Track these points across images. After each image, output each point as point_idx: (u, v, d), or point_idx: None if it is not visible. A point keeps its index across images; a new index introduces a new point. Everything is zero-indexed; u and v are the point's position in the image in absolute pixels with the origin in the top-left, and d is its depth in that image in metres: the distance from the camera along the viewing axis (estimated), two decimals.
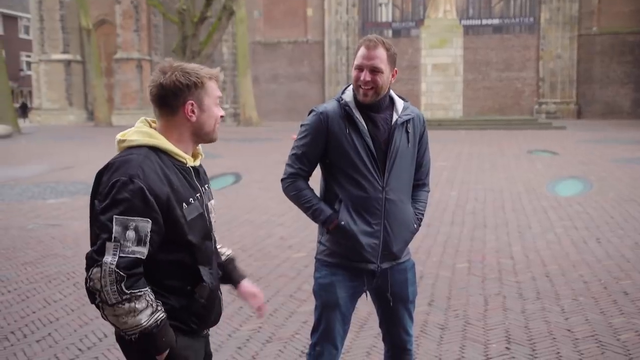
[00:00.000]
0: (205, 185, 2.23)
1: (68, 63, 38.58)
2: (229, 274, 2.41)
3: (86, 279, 1.92)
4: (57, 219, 8.84)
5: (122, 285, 1.88)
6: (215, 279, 2.18)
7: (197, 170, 2.19)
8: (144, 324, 1.93)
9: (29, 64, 49.47)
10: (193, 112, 2.10)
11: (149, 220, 1.93)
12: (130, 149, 2.05)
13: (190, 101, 2.09)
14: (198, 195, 2.12)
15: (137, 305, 1.91)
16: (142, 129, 2.11)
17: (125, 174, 1.94)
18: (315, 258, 2.91)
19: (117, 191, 1.92)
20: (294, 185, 2.83)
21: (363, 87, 2.68)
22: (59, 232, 7.99)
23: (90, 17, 33.06)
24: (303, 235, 7.45)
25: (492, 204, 9.38)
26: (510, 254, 6.54)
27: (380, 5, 36.50)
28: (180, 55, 25.80)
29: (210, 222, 2.19)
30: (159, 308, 1.97)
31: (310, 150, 2.79)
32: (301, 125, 2.84)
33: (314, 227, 2.64)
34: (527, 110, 34.55)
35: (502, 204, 9.42)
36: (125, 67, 36.87)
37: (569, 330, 4.42)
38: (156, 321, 1.95)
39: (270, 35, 37.25)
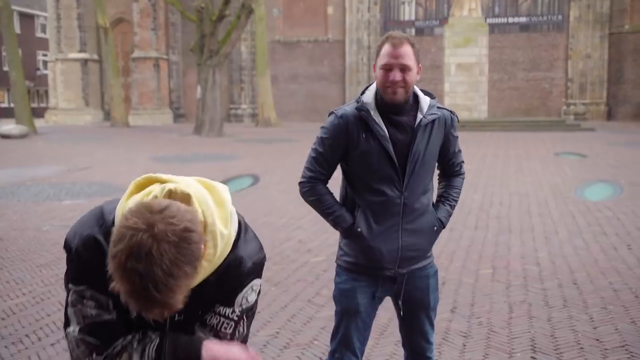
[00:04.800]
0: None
1: (85, 62, 38.38)
2: None
3: None
4: (72, 221, 8.69)
5: (94, 356, 1.67)
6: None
7: None
8: None
9: (45, 63, 49.63)
10: None
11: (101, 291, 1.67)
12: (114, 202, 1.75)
13: None
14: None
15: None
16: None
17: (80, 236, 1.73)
18: (336, 262, 2.87)
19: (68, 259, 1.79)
20: (313, 189, 2.77)
21: (392, 87, 2.60)
22: None
23: (108, 15, 32.97)
24: (322, 239, 7.34)
25: (517, 208, 9.25)
26: (536, 260, 6.43)
27: (403, 3, 35.90)
28: (198, 54, 25.44)
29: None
30: (140, 346, 1.68)
31: (330, 153, 2.73)
32: (321, 128, 2.77)
33: (334, 230, 2.70)
34: (554, 112, 33.73)
35: (527, 208, 9.26)
36: (142, 66, 36.50)
37: (597, 340, 4.31)
38: None
39: (289, 34, 36.82)
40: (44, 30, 53.16)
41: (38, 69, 53.25)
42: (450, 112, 2.80)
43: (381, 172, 2.65)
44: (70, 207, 9.79)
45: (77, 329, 1.66)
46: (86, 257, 1.65)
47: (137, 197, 1.63)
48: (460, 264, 6.31)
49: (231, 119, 36.82)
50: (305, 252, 6.85)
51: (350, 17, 35.63)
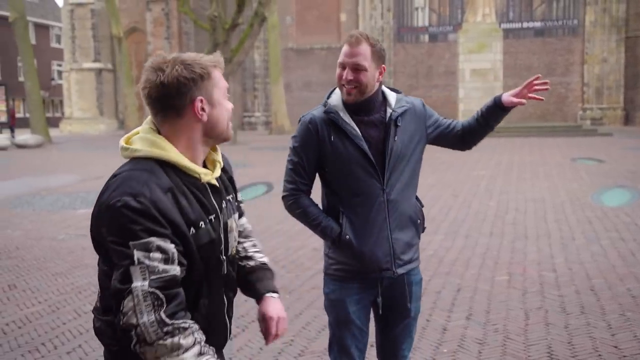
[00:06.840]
0: (228, 198, 1.96)
1: (99, 71, 38.72)
2: (253, 285, 2.13)
3: (118, 317, 1.64)
4: (87, 230, 8.56)
5: (162, 313, 1.63)
6: (217, 306, 1.92)
7: (214, 186, 1.88)
8: None
9: (60, 73, 49.97)
10: (203, 109, 1.81)
11: (166, 239, 1.67)
12: (135, 161, 1.78)
13: (199, 97, 1.79)
14: (213, 216, 1.84)
15: (182, 341, 1.64)
16: (146, 136, 1.82)
17: (127, 193, 1.67)
18: (325, 272, 2.79)
19: (122, 215, 1.66)
20: (297, 202, 2.71)
21: (346, 86, 2.56)
22: (90, 242, 7.70)
23: (121, 25, 33.17)
24: None
25: (533, 214, 9.12)
26: (552, 267, 6.34)
27: (417, 9, 35.77)
28: None
29: (226, 246, 1.91)
30: (208, 351, 1.70)
31: (306, 161, 2.66)
32: (292, 137, 2.72)
33: None
34: (570, 117, 33.39)
35: (544, 214, 9.13)
36: None
37: (615, 347, 4.24)
38: None
39: (302, 42, 36.80)
40: (58, 41, 53.66)
41: (53, 79, 53.61)
42: (420, 100, 2.79)
43: (359, 172, 2.60)
44: (85, 216, 9.74)
45: (145, 284, 1.63)
46: (163, 206, 1.69)
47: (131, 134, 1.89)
48: (475, 270, 6.25)
49: (245, 126, 36.81)
50: (319, 259, 6.69)
51: (363, 24, 35.41)
